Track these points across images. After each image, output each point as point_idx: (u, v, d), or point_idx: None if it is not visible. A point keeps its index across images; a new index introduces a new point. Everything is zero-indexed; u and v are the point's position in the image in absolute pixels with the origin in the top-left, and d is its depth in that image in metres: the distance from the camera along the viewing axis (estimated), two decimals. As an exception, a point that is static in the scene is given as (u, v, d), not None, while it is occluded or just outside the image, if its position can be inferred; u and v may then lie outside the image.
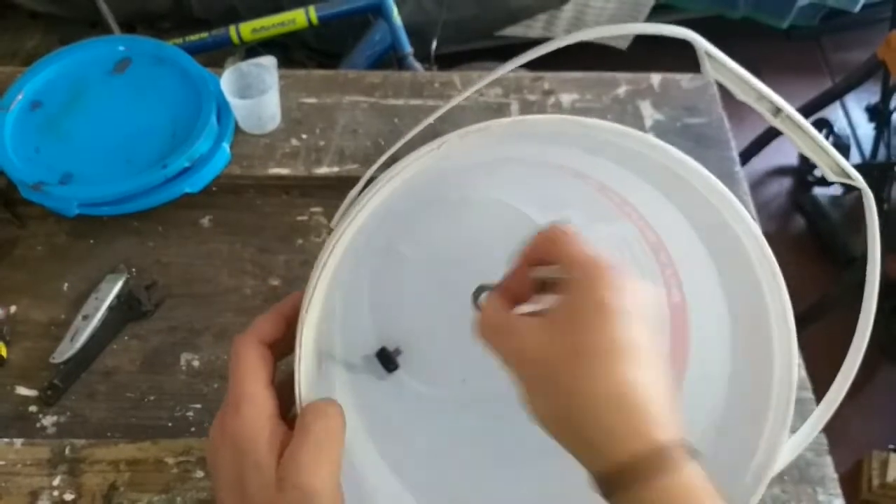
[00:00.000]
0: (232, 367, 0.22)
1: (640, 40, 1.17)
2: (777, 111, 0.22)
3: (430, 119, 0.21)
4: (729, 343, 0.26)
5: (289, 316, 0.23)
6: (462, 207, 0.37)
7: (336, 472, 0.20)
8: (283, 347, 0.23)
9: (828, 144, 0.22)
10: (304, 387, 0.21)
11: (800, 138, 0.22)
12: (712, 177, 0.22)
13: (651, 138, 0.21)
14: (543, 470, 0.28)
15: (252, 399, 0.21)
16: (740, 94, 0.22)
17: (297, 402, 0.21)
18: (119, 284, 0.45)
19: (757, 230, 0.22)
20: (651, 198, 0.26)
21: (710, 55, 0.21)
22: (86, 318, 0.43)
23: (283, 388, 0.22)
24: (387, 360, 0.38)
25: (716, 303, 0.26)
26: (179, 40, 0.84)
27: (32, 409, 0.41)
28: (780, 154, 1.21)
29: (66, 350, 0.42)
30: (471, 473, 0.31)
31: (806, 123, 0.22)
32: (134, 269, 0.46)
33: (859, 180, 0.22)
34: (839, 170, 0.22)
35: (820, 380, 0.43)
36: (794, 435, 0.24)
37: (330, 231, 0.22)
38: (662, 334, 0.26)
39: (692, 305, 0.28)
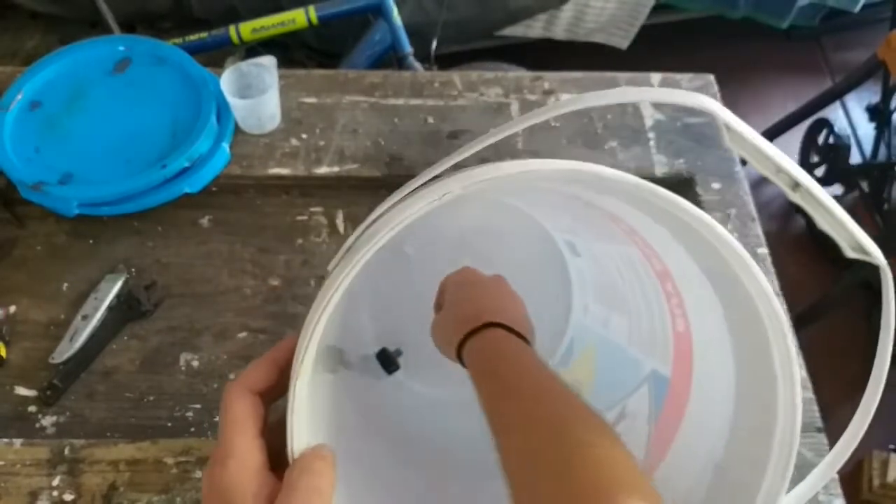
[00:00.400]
0: (221, 418, 0.22)
1: (641, 39, 1.17)
2: (796, 185, 0.21)
3: (468, 151, 0.20)
4: (733, 382, 0.25)
5: (282, 363, 0.23)
6: (465, 205, 0.37)
7: None
8: (276, 392, 0.23)
9: (848, 219, 0.21)
10: (296, 440, 0.21)
11: (819, 214, 0.21)
12: (725, 232, 0.21)
13: (665, 193, 0.20)
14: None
15: (240, 453, 0.21)
16: (758, 167, 0.21)
17: (289, 454, 0.21)
18: (118, 284, 0.45)
19: (768, 288, 0.21)
20: (660, 235, 0.25)
21: (728, 127, 0.20)
22: (85, 318, 0.43)
23: (279, 430, 0.22)
24: (387, 361, 0.38)
25: (721, 341, 0.25)
26: (179, 40, 0.84)
27: (32, 409, 0.41)
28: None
29: (66, 350, 0.42)
30: (468, 483, 0.31)
31: (827, 198, 0.21)
32: (133, 269, 0.46)
33: (879, 257, 0.21)
34: (858, 246, 0.21)
35: (819, 379, 0.43)
36: (795, 489, 0.23)
37: (320, 278, 0.22)
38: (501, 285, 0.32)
39: (696, 338, 0.28)
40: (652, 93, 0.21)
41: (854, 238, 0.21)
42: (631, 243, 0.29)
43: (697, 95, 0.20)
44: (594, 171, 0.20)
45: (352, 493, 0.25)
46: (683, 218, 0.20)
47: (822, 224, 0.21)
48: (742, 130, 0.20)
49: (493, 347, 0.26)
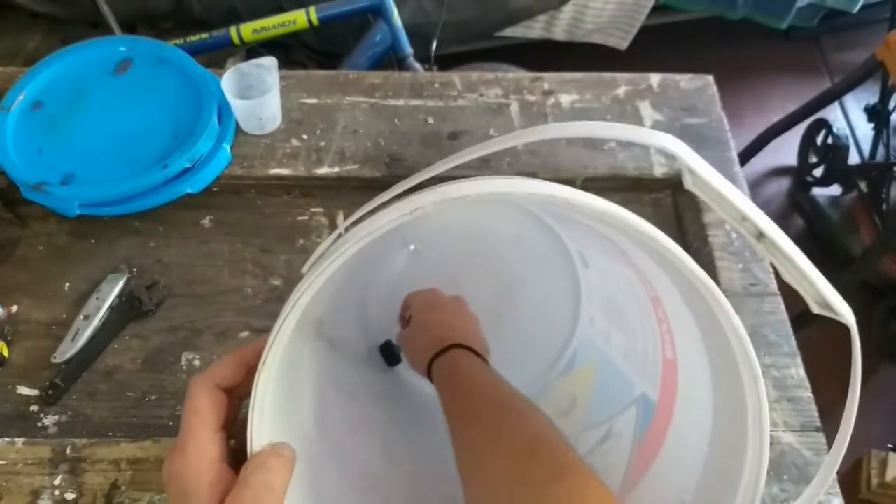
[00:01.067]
0: (184, 408, 0.22)
1: (640, 40, 1.17)
2: (760, 235, 0.19)
3: (477, 154, 0.19)
4: (710, 420, 0.25)
5: (251, 363, 0.23)
6: (478, 204, 0.37)
7: None
8: (242, 390, 0.23)
9: (814, 273, 0.20)
10: (257, 438, 0.21)
11: (784, 266, 0.20)
12: (700, 271, 0.19)
13: (642, 224, 0.19)
14: None
15: (198, 443, 0.21)
16: (722, 213, 0.19)
17: (248, 450, 0.21)
18: (120, 284, 0.45)
19: (742, 331, 0.20)
20: (648, 263, 0.26)
21: (691, 171, 0.19)
22: (87, 317, 0.43)
23: (244, 428, 0.22)
24: (390, 353, 0.38)
25: (702, 375, 0.25)
26: (180, 41, 0.84)
27: (34, 408, 0.41)
28: (780, 154, 1.21)
29: (68, 350, 0.42)
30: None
31: (793, 249, 0.19)
32: (135, 269, 0.47)
33: (846, 315, 0.20)
34: (824, 302, 0.20)
35: (818, 378, 0.43)
36: None
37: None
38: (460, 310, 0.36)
39: (681, 367, 0.28)
40: (616, 129, 0.19)
41: (819, 292, 0.20)
42: (628, 266, 0.29)
43: (661, 135, 0.19)
44: (566, 196, 0.19)
45: (335, 492, 0.25)
46: (658, 249, 0.19)
47: (787, 277, 0.20)
48: (705, 175, 0.19)
49: (456, 364, 0.31)
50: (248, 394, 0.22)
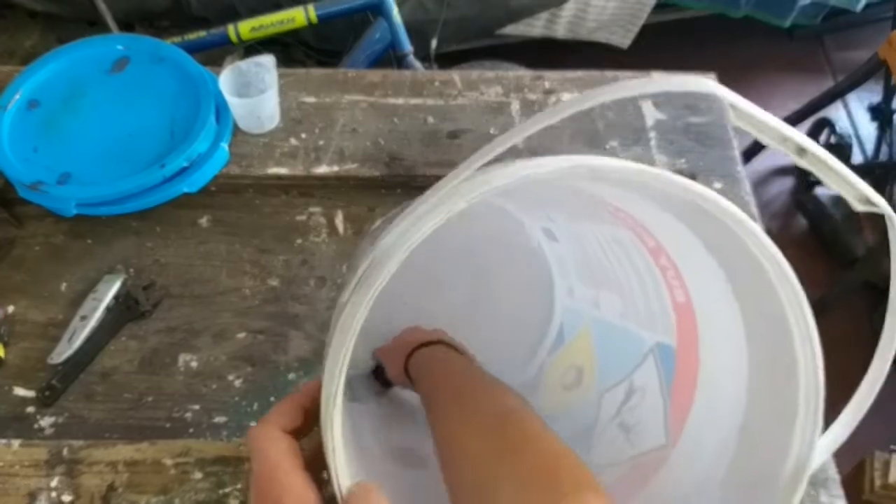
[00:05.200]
0: (258, 460, 0.21)
1: (642, 38, 1.17)
2: (802, 151, 0.22)
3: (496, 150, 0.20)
4: (744, 346, 0.25)
5: (307, 405, 0.23)
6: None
7: None
8: (300, 435, 0.23)
9: (852, 175, 0.23)
10: (342, 478, 0.21)
11: (826, 174, 0.23)
12: (722, 200, 0.21)
13: (659, 174, 0.21)
14: None
15: (297, 492, 0.20)
16: (765, 139, 0.22)
17: (339, 497, 0.21)
18: (117, 285, 0.44)
19: (772, 246, 0.22)
20: (648, 209, 0.26)
21: (734, 106, 0.21)
22: (83, 318, 0.43)
23: (311, 467, 0.21)
24: (384, 376, 0.38)
25: (727, 307, 0.26)
26: (178, 39, 0.83)
27: (30, 409, 0.40)
28: (782, 154, 1.20)
29: (64, 351, 0.42)
30: None
31: (831, 158, 0.22)
32: (132, 270, 0.46)
33: (886, 207, 0.23)
34: (865, 199, 0.23)
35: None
36: (826, 434, 0.24)
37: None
38: None
39: (698, 307, 0.28)
40: (651, 85, 0.21)
41: (860, 192, 0.22)
42: (618, 222, 0.29)
43: (699, 79, 0.21)
44: (590, 164, 0.21)
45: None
46: (680, 195, 0.21)
47: (830, 184, 0.23)
48: (744, 107, 0.21)
49: (430, 355, 0.30)
50: (301, 438, 0.22)
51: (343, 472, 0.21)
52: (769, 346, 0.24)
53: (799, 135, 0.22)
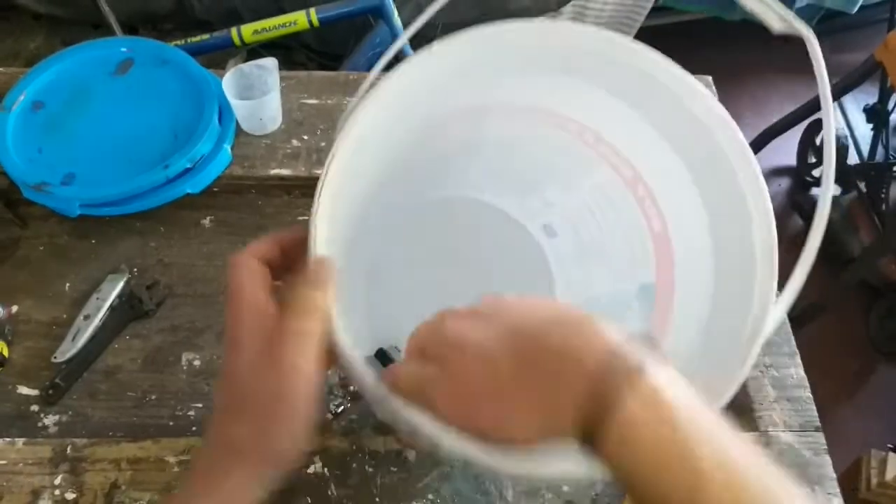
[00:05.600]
0: (231, 280, 0.23)
1: (641, 39, 1.18)
2: None
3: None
4: (709, 239, 0.27)
5: (285, 243, 0.25)
6: (443, 209, 0.38)
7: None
8: (276, 269, 0.25)
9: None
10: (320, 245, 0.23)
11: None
12: (686, 74, 0.23)
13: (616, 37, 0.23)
14: None
15: (256, 309, 0.23)
16: None
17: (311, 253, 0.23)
18: (120, 284, 0.45)
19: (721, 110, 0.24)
20: (625, 119, 0.27)
21: None
22: (87, 317, 0.43)
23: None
24: (386, 360, 0.38)
25: (693, 207, 0.27)
26: (181, 42, 0.84)
27: (34, 408, 0.41)
28: (779, 154, 1.22)
29: (68, 349, 0.42)
30: None
31: None
32: (136, 270, 0.47)
33: (802, 29, 0.24)
34: (784, 21, 0.24)
35: (817, 378, 0.44)
36: (782, 293, 0.25)
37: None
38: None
39: (672, 223, 0.30)
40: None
41: (778, 13, 0.24)
42: (600, 160, 0.31)
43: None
44: (560, 30, 0.23)
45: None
46: (638, 64, 0.23)
47: (749, 6, 0.23)
48: None
49: (654, 421, 0.16)
50: (278, 276, 0.24)
51: (320, 240, 0.23)
52: (728, 222, 0.26)
53: None
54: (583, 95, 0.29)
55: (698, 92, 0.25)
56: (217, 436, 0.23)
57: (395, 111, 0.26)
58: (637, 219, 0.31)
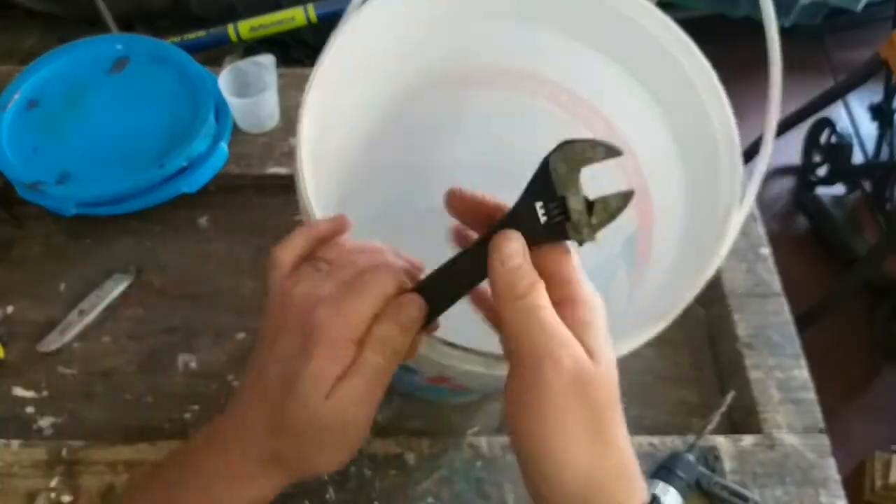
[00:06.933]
0: (270, 276, 0.23)
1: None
2: None
3: None
4: (676, 151, 0.28)
5: (321, 235, 0.24)
6: (427, 175, 0.37)
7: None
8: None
9: None
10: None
11: None
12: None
13: None
14: None
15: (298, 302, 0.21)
16: None
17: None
18: (123, 285, 0.44)
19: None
20: (595, 64, 0.28)
21: None
22: (81, 312, 0.43)
23: None
24: None
25: (663, 141, 0.28)
26: (178, 39, 0.83)
27: (29, 410, 0.40)
28: (783, 154, 1.21)
29: (55, 341, 0.42)
30: None
31: None
32: (132, 268, 0.46)
33: None
34: None
35: (821, 380, 0.43)
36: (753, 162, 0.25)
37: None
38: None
39: (642, 156, 0.30)
40: None
41: None
42: (576, 119, 0.32)
43: None
44: None
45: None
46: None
47: None
48: None
49: None
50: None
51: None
52: (692, 136, 0.27)
53: None
54: (547, 48, 0.29)
55: (647, 9, 0.26)
56: (258, 444, 0.21)
57: (367, 64, 0.26)
58: (613, 170, 0.31)
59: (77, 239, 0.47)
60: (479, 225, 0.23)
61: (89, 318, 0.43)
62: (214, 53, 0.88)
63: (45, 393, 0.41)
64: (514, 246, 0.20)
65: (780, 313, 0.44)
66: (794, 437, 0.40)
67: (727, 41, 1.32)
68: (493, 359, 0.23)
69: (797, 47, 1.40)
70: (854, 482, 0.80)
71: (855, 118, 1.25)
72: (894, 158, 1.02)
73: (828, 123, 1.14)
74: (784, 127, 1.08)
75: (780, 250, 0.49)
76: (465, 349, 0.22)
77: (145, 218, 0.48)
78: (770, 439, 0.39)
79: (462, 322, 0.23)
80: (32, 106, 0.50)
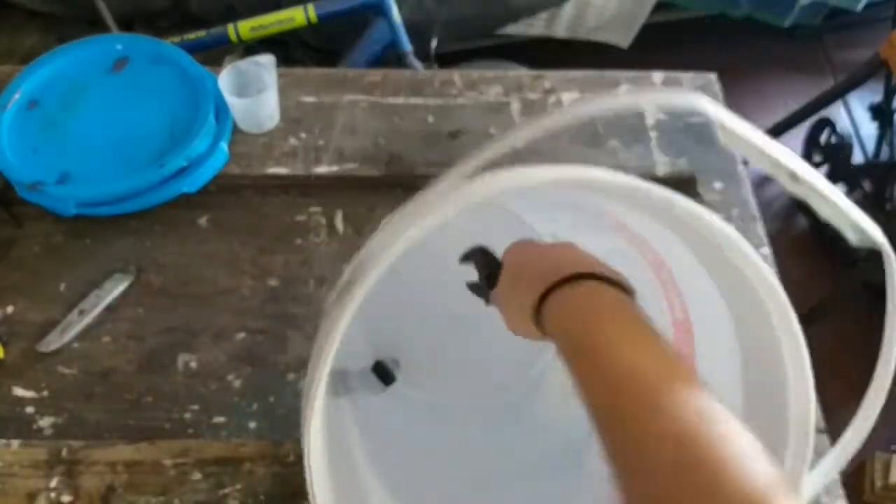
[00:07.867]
0: None
1: (642, 38, 1.17)
2: (795, 177, 0.20)
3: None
4: (739, 370, 0.25)
5: None
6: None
7: None
8: None
9: (852, 207, 0.20)
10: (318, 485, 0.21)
11: (820, 204, 0.21)
12: (722, 223, 0.21)
13: (661, 192, 0.20)
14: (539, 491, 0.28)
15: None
16: (756, 162, 0.20)
17: (311, 497, 0.21)
18: (124, 285, 0.44)
19: (771, 274, 0.21)
20: (653, 227, 0.25)
21: (722, 126, 0.19)
22: (82, 312, 0.43)
23: None
24: (384, 373, 0.38)
25: (724, 330, 0.25)
26: (178, 39, 0.83)
27: (29, 410, 0.40)
28: (782, 153, 1.20)
29: (55, 341, 0.42)
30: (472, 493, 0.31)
31: (826, 186, 0.20)
32: (132, 269, 0.46)
33: (884, 244, 0.21)
34: (863, 232, 0.21)
35: (822, 380, 0.43)
36: (812, 472, 0.23)
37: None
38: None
39: (697, 326, 0.28)
40: (642, 98, 0.21)
41: (858, 225, 0.21)
42: (620, 236, 0.29)
43: (690, 96, 0.20)
44: (592, 176, 0.20)
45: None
46: (679, 215, 0.21)
47: (826, 215, 0.21)
48: (735, 127, 0.20)
49: (585, 303, 0.20)
50: None
51: (319, 475, 0.22)
52: (763, 374, 0.23)
53: (793, 159, 0.19)
54: (609, 203, 0.26)
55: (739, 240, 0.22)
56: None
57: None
58: (656, 291, 0.29)
59: (77, 239, 0.47)
60: None
61: (89, 318, 0.43)
62: (214, 53, 0.88)
63: (45, 393, 0.41)
64: None
65: (781, 313, 0.44)
66: (794, 437, 0.39)
67: (728, 41, 1.33)
68: None
69: (797, 47, 1.41)
70: (854, 482, 0.80)
71: (855, 118, 1.25)
72: (894, 158, 1.02)
73: (828, 123, 1.14)
74: (784, 127, 1.08)
75: (781, 251, 0.49)
76: None
77: (145, 218, 0.48)
78: (770, 439, 0.39)
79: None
80: (32, 106, 0.50)
